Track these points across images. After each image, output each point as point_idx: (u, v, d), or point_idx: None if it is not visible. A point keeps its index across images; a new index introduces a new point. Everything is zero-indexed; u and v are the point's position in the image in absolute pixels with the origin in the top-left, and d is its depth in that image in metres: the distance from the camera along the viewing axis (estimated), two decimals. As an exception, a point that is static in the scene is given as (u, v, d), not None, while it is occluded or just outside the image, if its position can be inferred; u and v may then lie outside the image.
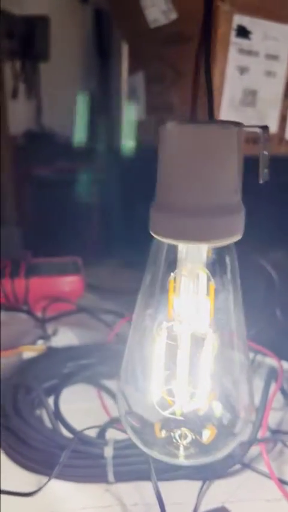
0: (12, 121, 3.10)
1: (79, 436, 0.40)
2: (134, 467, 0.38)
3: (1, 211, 2.77)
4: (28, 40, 3.38)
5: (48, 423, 0.44)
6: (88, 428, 0.40)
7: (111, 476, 0.38)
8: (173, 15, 0.83)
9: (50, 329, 0.66)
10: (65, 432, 0.43)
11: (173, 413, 0.26)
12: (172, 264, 0.27)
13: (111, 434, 0.45)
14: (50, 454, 0.39)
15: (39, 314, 0.70)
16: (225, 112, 0.75)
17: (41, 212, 3.15)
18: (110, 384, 0.53)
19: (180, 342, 0.26)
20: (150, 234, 0.90)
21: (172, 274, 0.27)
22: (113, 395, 0.52)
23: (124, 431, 0.41)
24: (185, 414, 0.26)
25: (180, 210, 0.24)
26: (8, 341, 0.62)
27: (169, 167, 0.24)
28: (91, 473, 0.39)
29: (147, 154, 1.04)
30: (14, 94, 3.48)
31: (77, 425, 0.45)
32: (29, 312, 0.70)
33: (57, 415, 0.44)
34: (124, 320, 0.62)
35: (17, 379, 0.47)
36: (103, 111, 3.57)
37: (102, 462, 0.38)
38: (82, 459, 0.38)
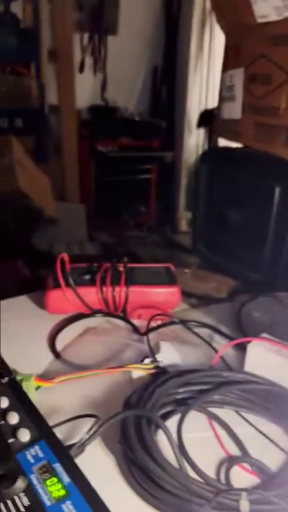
0: (78, 95, 3.08)
1: (209, 481, 0.40)
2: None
3: (65, 188, 2.80)
4: (97, 13, 3.34)
5: (170, 453, 0.43)
6: (227, 491, 0.39)
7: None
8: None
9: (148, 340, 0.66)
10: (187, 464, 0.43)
11: None
12: None
13: (235, 474, 0.44)
14: (180, 498, 0.39)
15: (135, 322, 0.70)
16: None
17: (104, 189, 3.16)
18: (220, 412, 0.53)
19: None
20: (236, 237, 0.85)
21: None
22: (225, 426, 0.51)
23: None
24: None
25: None
26: (111, 352, 0.63)
27: None
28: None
29: (239, 154, 1.01)
30: (81, 68, 3.46)
31: (193, 458, 0.45)
32: (128, 321, 0.70)
33: (182, 451, 0.44)
34: (229, 344, 0.61)
35: (137, 408, 0.47)
36: (168, 87, 3.50)
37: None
38: (216, 509, 0.38)
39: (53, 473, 0.35)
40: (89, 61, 3.24)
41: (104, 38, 3.28)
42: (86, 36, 3.17)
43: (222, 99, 1.02)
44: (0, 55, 2.58)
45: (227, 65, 1.00)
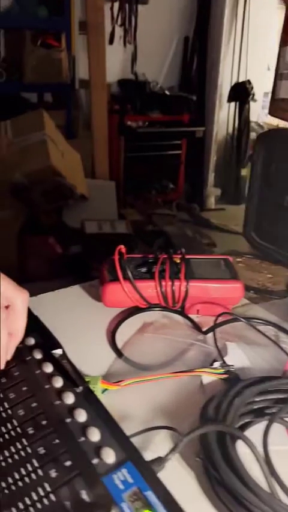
0: (108, 68, 3.00)
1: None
2: None
3: (95, 164, 2.74)
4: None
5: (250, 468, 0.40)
6: None
7: None
8: None
9: (210, 338, 0.62)
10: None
11: None
12: None
13: None
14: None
15: (193, 317, 0.67)
16: None
17: (133, 165, 3.10)
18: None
19: None
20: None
21: None
22: (305, 439, 0.48)
23: None
24: None
25: None
26: (175, 352, 0.60)
27: None
28: None
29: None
30: (111, 39, 3.37)
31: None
32: (187, 317, 0.66)
33: (271, 471, 0.41)
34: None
35: (218, 421, 0.44)
36: (199, 59, 3.40)
37: None
38: None
39: (146, 503, 0.32)
40: (118, 32, 3.13)
41: (135, 8, 3.15)
42: (116, 5, 3.06)
43: (279, 76, 0.96)
44: (31, 26, 2.51)
45: (286, 39, 0.93)
